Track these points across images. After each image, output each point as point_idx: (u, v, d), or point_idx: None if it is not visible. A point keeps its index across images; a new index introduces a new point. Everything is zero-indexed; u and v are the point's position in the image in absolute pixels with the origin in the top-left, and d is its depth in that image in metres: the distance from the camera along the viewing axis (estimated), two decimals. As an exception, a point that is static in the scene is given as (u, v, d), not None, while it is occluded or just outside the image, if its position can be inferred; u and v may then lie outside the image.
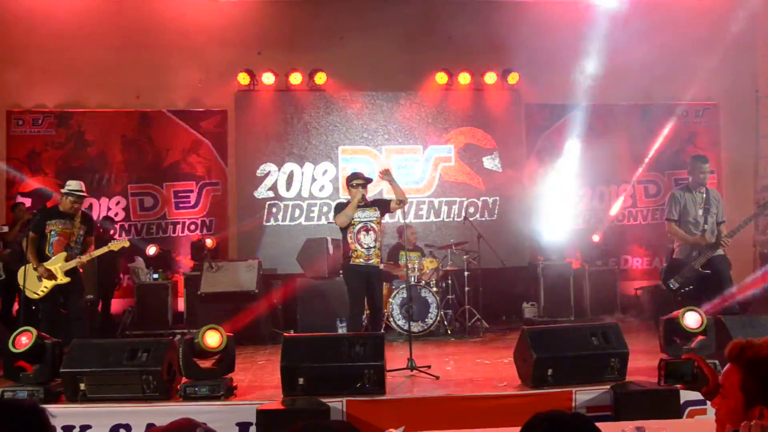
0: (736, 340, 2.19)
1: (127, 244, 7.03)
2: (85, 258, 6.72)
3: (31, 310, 6.61)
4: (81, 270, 6.82)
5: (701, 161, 6.89)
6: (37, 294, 6.54)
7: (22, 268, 6.59)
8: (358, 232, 6.58)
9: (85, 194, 6.88)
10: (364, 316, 7.70)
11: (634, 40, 10.00)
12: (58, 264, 6.58)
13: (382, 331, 6.89)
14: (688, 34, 10.22)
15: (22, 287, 6.53)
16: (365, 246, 6.56)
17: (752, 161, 10.59)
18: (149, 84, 10.00)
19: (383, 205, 6.82)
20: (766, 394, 2.05)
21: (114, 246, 6.84)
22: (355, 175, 6.82)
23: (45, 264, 6.56)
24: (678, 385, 2.52)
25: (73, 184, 6.76)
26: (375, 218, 6.65)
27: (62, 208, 6.74)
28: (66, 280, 6.60)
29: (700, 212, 6.76)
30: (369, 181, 6.79)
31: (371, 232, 6.59)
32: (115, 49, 9.86)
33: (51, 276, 6.55)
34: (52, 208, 6.87)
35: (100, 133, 9.99)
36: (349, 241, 6.61)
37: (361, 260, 6.57)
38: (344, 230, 6.65)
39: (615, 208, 10.38)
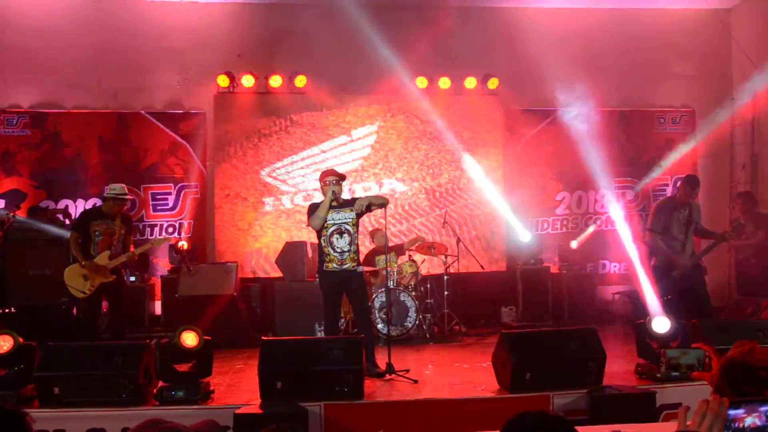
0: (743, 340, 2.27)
1: (169, 240, 8.02)
2: (130, 254, 7.06)
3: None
4: (124, 270, 7.25)
5: (694, 183, 6.97)
6: (84, 293, 6.82)
7: (68, 268, 6.89)
8: (331, 235, 6.23)
9: (128, 197, 7.25)
10: (343, 322, 7.69)
11: (613, 48, 10.14)
12: (103, 262, 6.84)
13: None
14: (666, 42, 10.39)
15: (68, 287, 6.86)
16: (338, 250, 6.21)
17: (728, 168, 10.74)
18: (127, 85, 9.92)
19: (360, 206, 6.27)
20: (732, 390, 2.15)
21: (156, 243, 7.74)
22: (327, 173, 6.44)
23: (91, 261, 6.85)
24: (690, 374, 2.60)
25: (117, 188, 7.07)
26: (350, 220, 6.26)
27: (105, 209, 7.05)
28: (112, 277, 6.89)
29: (682, 228, 6.88)
30: (343, 177, 6.42)
31: (345, 235, 6.23)
32: (93, 49, 9.78)
33: (98, 272, 6.81)
34: (95, 210, 7.29)
35: (77, 134, 9.87)
36: (323, 244, 6.27)
37: (335, 265, 6.23)
38: (318, 233, 6.33)
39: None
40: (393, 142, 10.25)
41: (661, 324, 5.62)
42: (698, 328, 5.67)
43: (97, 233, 6.92)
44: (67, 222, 8.96)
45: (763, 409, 1.91)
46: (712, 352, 2.55)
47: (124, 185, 7.20)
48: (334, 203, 6.30)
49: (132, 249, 7.17)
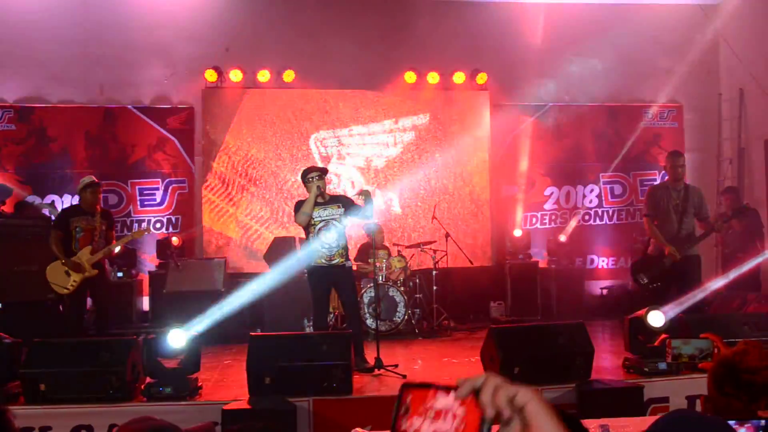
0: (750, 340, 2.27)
1: (149, 231, 8.09)
2: (110, 248, 7.07)
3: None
4: (106, 264, 7.29)
5: (675, 156, 6.98)
6: (67, 289, 6.82)
7: (50, 265, 6.86)
8: (320, 230, 6.25)
9: (99, 182, 7.20)
10: (332, 318, 7.67)
11: (601, 43, 10.14)
12: (84, 257, 6.83)
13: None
14: (654, 37, 10.41)
15: (51, 284, 6.85)
16: (327, 245, 6.25)
17: (715, 163, 10.80)
18: (114, 79, 9.84)
19: (347, 204, 6.45)
20: (715, 387, 2.17)
21: (137, 234, 7.64)
22: (309, 170, 6.46)
23: (72, 258, 6.84)
24: (699, 364, 2.60)
25: (86, 179, 7.13)
26: (338, 215, 6.32)
27: (83, 205, 7.06)
28: (94, 272, 6.87)
29: (676, 210, 6.82)
30: (325, 171, 6.48)
31: (333, 230, 6.27)
32: (79, 43, 9.69)
33: (79, 268, 6.79)
34: (74, 207, 7.32)
35: (63, 129, 9.79)
36: (311, 240, 6.33)
37: (323, 260, 6.25)
38: (306, 229, 6.37)
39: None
40: (387, 135, 10.23)
41: (656, 317, 5.63)
42: (684, 322, 5.70)
43: (78, 229, 6.91)
44: (53, 218, 8.89)
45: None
46: (720, 343, 2.54)
47: (91, 176, 7.27)
48: (320, 199, 6.31)
49: (114, 242, 7.19)
